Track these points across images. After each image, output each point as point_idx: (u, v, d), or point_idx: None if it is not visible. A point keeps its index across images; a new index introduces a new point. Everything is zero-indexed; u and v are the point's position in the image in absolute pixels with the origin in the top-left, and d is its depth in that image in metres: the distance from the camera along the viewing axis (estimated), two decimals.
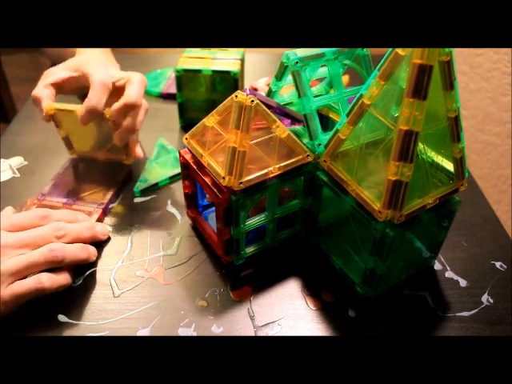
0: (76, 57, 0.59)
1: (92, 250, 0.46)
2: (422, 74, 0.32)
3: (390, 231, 0.38)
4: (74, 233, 0.44)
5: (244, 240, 0.45)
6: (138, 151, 0.57)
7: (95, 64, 0.54)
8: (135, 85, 0.53)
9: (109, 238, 0.50)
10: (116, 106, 0.51)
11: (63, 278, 0.42)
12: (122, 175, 0.58)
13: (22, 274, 0.40)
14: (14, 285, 0.39)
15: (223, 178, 0.40)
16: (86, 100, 0.50)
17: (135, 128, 0.53)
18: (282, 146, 0.42)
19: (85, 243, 0.45)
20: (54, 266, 0.42)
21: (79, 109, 0.51)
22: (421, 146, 0.38)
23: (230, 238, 0.44)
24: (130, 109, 0.52)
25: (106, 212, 0.53)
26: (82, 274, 0.46)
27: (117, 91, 0.53)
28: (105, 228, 0.49)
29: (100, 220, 0.52)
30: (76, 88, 0.57)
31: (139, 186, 0.56)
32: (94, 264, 0.47)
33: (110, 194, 0.54)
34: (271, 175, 0.41)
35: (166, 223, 0.53)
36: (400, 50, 0.33)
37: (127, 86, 0.53)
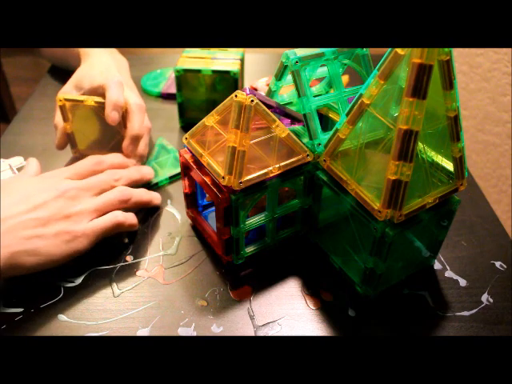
0: (83, 68, 0.59)
1: (155, 194, 0.53)
2: (422, 74, 0.32)
3: (389, 231, 0.38)
4: (126, 175, 0.51)
5: (244, 240, 0.45)
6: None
7: (110, 77, 0.55)
8: (136, 115, 0.54)
9: (108, 238, 0.50)
10: (125, 144, 0.54)
11: (133, 217, 0.49)
12: None
13: (100, 212, 0.46)
14: (95, 221, 0.45)
15: (223, 177, 0.40)
16: (129, 129, 0.54)
17: (144, 154, 0.58)
18: (282, 146, 0.42)
19: (137, 183, 0.53)
20: (123, 206, 0.48)
21: (89, 100, 0.54)
22: (420, 145, 0.38)
23: (230, 237, 0.44)
24: (137, 140, 0.55)
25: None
26: (82, 274, 0.46)
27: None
28: (149, 169, 0.55)
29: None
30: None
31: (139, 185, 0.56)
32: (94, 264, 0.47)
33: None
34: (271, 175, 0.41)
35: (166, 223, 0.53)
36: (399, 50, 0.33)
37: (128, 116, 0.55)
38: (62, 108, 0.54)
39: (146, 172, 0.54)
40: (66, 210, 0.44)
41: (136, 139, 0.54)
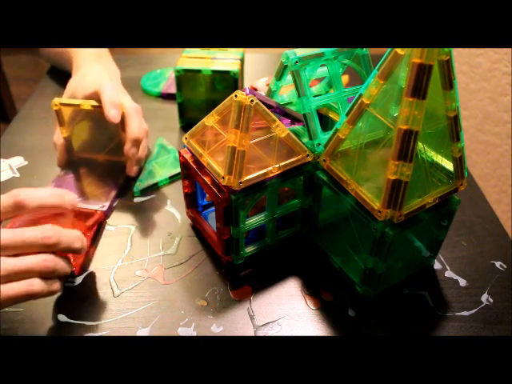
0: (75, 79, 0.59)
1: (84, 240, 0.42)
2: (422, 74, 0.32)
3: (389, 231, 0.38)
4: (64, 241, 0.40)
5: (244, 239, 0.45)
6: (134, 170, 0.57)
7: (104, 83, 0.54)
8: (133, 118, 0.54)
9: (110, 239, 0.50)
10: (127, 147, 0.53)
11: (54, 284, 0.40)
12: (122, 176, 0.57)
13: (12, 278, 0.37)
14: (3, 288, 0.37)
15: (223, 177, 0.40)
16: (129, 132, 0.53)
17: (142, 157, 0.57)
18: (282, 146, 0.42)
19: (51, 208, 0.41)
20: (48, 249, 0.39)
21: (85, 104, 0.53)
22: (420, 145, 0.38)
23: (230, 237, 0.44)
24: (138, 142, 0.54)
25: (107, 214, 0.53)
26: (82, 274, 0.46)
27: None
28: (73, 196, 0.43)
29: (102, 221, 0.52)
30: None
31: (139, 185, 0.57)
32: (94, 264, 0.47)
33: (111, 196, 0.54)
34: (271, 175, 0.41)
35: (166, 223, 0.53)
36: (399, 50, 0.33)
37: (125, 120, 0.54)
38: (58, 113, 0.54)
39: (67, 199, 0.42)
40: None
41: (136, 141, 0.54)
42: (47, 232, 0.38)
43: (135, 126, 0.54)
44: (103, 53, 0.66)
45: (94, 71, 0.59)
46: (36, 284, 0.38)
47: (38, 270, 0.38)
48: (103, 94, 0.52)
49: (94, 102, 0.54)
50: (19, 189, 0.39)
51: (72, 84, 0.58)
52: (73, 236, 0.40)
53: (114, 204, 0.55)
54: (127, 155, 0.54)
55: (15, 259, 0.38)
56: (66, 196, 0.41)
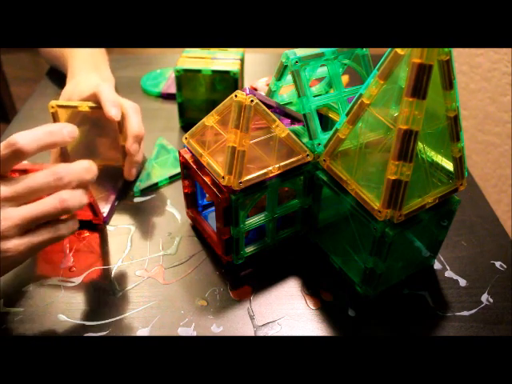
0: (69, 86, 0.58)
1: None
2: (422, 74, 0.32)
3: (389, 231, 0.38)
4: (73, 174, 0.39)
5: (244, 239, 0.45)
6: (132, 173, 0.56)
7: (101, 84, 0.54)
8: (132, 115, 0.54)
9: (110, 239, 0.50)
10: (129, 143, 0.53)
11: (73, 223, 0.41)
12: (121, 181, 0.57)
13: (34, 223, 0.38)
14: (30, 237, 0.37)
15: (223, 177, 0.40)
16: (130, 129, 0.53)
17: (139, 160, 0.56)
18: (282, 146, 0.42)
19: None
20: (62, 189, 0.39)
21: (83, 105, 0.52)
22: (420, 145, 0.38)
23: (230, 237, 0.44)
24: (139, 138, 0.54)
25: (107, 219, 0.53)
26: (82, 274, 0.46)
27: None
28: (72, 128, 0.42)
29: (102, 226, 0.52)
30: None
31: (139, 185, 0.57)
32: (94, 264, 0.47)
33: (110, 200, 0.54)
34: (271, 175, 0.41)
35: (166, 223, 0.53)
36: (399, 50, 0.33)
37: (125, 117, 0.54)
38: (54, 115, 0.53)
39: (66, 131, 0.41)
40: None
41: (138, 137, 0.53)
42: (58, 173, 0.38)
43: (135, 122, 0.53)
44: (100, 61, 0.66)
45: (89, 79, 0.59)
46: (61, 228, 0.39)
47: (57, 213, 0.38)
48: (102, 94, 0.52)
49: (91, 104, 0.53)
50: (14, 135, 0.37)
51: (67, 91, 0.58)
52: (82, 168, 0.40)
53: (114, 209, 0.55)
54: (129, 152, 0.53)
55: (32, 205, 0.37)
56: (64, 129, 0.40)
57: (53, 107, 0.52)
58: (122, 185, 0.57)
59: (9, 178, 0.38)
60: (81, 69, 0.62)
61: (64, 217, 0.40)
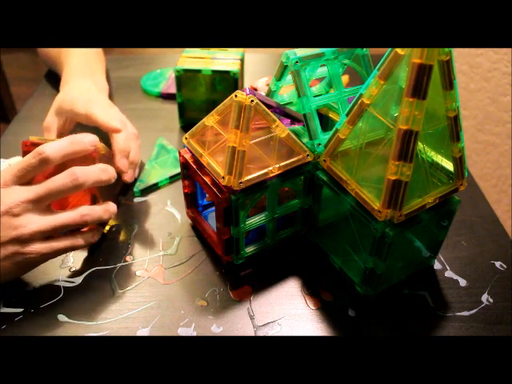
0: (61, 94, 0.58)
1: (111, 170, 0.46)
2: (422, 74, 0.32)
3: (389, 231, 0.38)
4: (91, 177, 0.43)
5: (244, 240, 0.45)
6: (129, 176, 0.55)
7: (95, 103, 0.55)
8: (119, 134, 0.54)
9: (110, 239, 0.50)
10: (116, 159, 0.52)
11: (92, 236, 0.46)
12: (119, 186, 0.56)
13: (55, 231, 0.42)
14: (52, 243, 0.42)
15: (223, 177, 0.40)
16: (115, 144, 0.52)
17: (136, 161, 0.56)
18: (282, 146, 0.42)
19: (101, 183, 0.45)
20: (81, 189, 0.43)
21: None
22: (420, 145, 0.38)
23: (230, 237, 0.44)
24: (126, 153, 0.53)
25: (106, 224, 0.52)
26: (82, 274, 0.46)
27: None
28: (93, 138, 0.45)
29: (101, 232, 0.51)
30: (74, 125, 0.59)
31: (139, 185, 0.57)
32: (94, 264, 0.47)
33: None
34: (271, 175, 0.41)
35: (166, 223, 0.53)
36: (399, 50, 0.33)
37: (110, 135, 0.54)
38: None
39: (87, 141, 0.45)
40: (14, 232, 0.39)
41: (124, 152, 0.53)
42: (74, 174, 0.42)
43: (121, 139, 0.53)
44: (95, 68, 0.66)
45: (81, 86, 0.59)
46: (79, 239, 0.44)
47: (77, 225, 0.43)
48: (96, 117, 0.53)
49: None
50: (42, 146, 0.41)
51: (59, 99, 0.57)
52: (97, 169, 0.44)
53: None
54: (118, 168, 0.52)
55: (57, 216, 0.42)
56: (86, 139, 0.44)
57: (26, 145, 0.47)
58: (120, 190, 0.56)
59: (32, 184, 0.42)
60: (75, 74, 0.62)
61: (85, 228, 0.46)
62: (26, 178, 0.41)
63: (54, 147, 0.42)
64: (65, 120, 0.57)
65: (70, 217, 0.42)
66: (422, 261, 0.48)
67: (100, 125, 0.53)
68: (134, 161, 0.56)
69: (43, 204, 0.41)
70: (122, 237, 0.51)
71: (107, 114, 0.54)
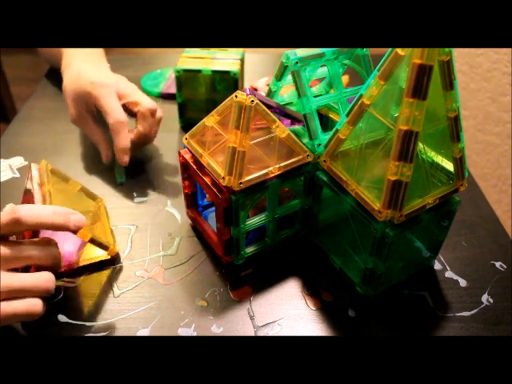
0: (68, 79, 0.59)
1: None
2: (422, 74, 0.32)
3: (389, 231, 0.38)
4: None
5: (244, 240, 0.45)
6: (125, 159, 0.56)
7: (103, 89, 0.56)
8: (118, 132, 0.55)
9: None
10: (118, 156, 0.56)
11: (44, 306, 0.38)
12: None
13: (13, 295, 0.37)
14: (5, 305, 0.36)
15: (223, 177, 0.40)
16: (116, 144, 0.55)
17: (152, 135, 0.59)
18: (282, 146, 0.42)
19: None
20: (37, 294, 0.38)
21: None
22: (420, 145, 0.38)
23: (230, 237, 0.44)
24: (152, 113, 0.57)
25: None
26: (82, 274, 0.46)
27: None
28: (80, 218, 0.40)
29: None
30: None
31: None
32: (94, 264, 0.47)
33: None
34: (271, 175, 0.41)
35: (166, 223, 0.53)
36: (400, 50, 0.33)
37: (137, 98, 0.57)
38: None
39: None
40: None
41: (151, 112, 0.57)
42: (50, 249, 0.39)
43: (146, 99, 0.57)
44: (94, 53, 0.66)
45: (88, 68, 0.59)
46: (38, 304, 0.37)
47: (39, 290, 0.37)
48: (116, 140, 0.55)
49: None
50: (19, 206, 0.38)
51: (67, 86, 0.58)
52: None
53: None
54: (121, 162, 0.56)
55: (18, 276, 0.37)
56: (72, 216, 0.39)
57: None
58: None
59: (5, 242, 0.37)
60: (79, 57, 0.61)
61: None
62: None
63: (32, 211, 0.37)
64: (89, 105, 0.57)
65: (35, 280, 0.37)
66: (422, 261, 0.48)
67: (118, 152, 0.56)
68: (149, 134, 0.59)
69: (9, 266, 0.37)
70: (121, 237, 0.51)
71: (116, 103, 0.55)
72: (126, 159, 0.56)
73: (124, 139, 0.55)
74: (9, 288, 0.36)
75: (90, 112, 0.58)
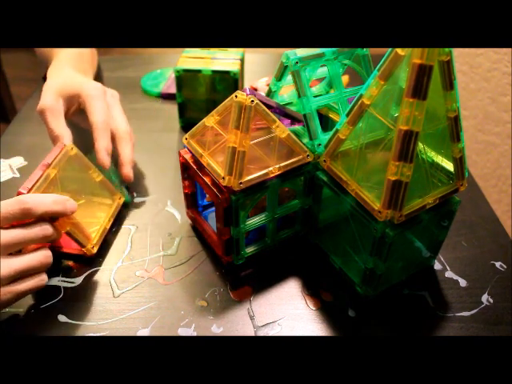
0: (52, 80, 0.56)
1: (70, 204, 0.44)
2: (422, 74, 0.32)
3: (389, 231, 0.38)
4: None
5: (244, 240, 0.45)
6: (130, 175, 0.55)
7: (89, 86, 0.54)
8: (123, 142, 0.54)
9: (110, 239, 0.50)
10: (125, 171, 0.54)
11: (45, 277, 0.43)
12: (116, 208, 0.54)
13: (20, 275, 0.40)
14: (17, 285, 0.40)
15: (223, 177, 0.40)
16: (97, 145, 0.51)
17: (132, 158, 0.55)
18: (282, 146, 0.42)
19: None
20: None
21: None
22: (420, 145, 0.38)
23: (230, 237, 0.44)
24: (130, 163, 0.54)
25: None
26: (82, 274, 0.46)
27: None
28: (73, 203, 0.44)
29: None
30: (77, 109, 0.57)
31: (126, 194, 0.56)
32: (94, 264, 0.47)
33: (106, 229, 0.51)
34: (271, 175, 0.41)
35: (166, 223, 0.53)
36: (400, 50, 0.33)
37: (112, 111, 0.55)
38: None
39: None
40: None
41: (131, 163, 0.54)
42: (47, 229, 0.42)
43: (126, 150, 0.54)
44: (88, 68, 0.65)
45: (75, 76, 0.57)
46: (44, 278, 0.42)
47: (41, 266, 0.42)
48: (90, 106, 0.52)
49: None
50: (25, 195, 0.41)
51: (50, 86, 0.55)
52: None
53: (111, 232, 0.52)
54: (126, 177, 0.54)
55: (19, 258, 0.40)
56: (68, 203, 0.43)
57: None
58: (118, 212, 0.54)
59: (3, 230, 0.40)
60: (67, 62, 0.60)
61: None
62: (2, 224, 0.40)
63: (38, 201, 0.41)
64: (69, 104, 0.55)
65: (35, 258, 0.41)
66: (422, 261, 0.48)
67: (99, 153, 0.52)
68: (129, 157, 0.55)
69: (9, 250, 0.40)
70: (121, 237, 0.51)
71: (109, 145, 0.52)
72: (131, 173, 0.54)
73: (131, 150, 0.54)
74: (20, 269, 0.40)
75: (68, 108, 0.56)
